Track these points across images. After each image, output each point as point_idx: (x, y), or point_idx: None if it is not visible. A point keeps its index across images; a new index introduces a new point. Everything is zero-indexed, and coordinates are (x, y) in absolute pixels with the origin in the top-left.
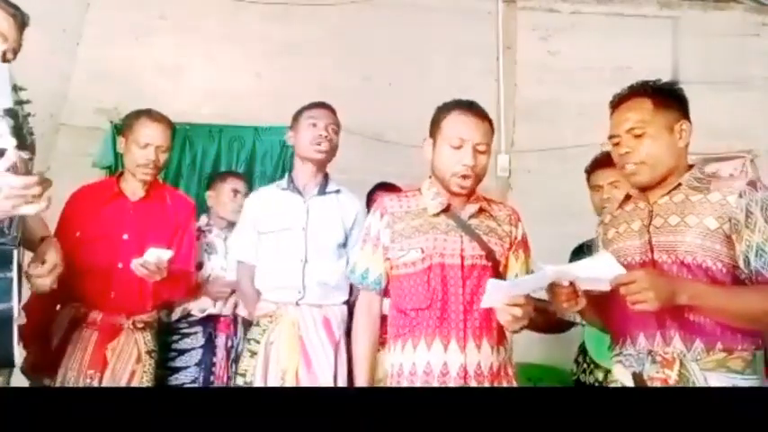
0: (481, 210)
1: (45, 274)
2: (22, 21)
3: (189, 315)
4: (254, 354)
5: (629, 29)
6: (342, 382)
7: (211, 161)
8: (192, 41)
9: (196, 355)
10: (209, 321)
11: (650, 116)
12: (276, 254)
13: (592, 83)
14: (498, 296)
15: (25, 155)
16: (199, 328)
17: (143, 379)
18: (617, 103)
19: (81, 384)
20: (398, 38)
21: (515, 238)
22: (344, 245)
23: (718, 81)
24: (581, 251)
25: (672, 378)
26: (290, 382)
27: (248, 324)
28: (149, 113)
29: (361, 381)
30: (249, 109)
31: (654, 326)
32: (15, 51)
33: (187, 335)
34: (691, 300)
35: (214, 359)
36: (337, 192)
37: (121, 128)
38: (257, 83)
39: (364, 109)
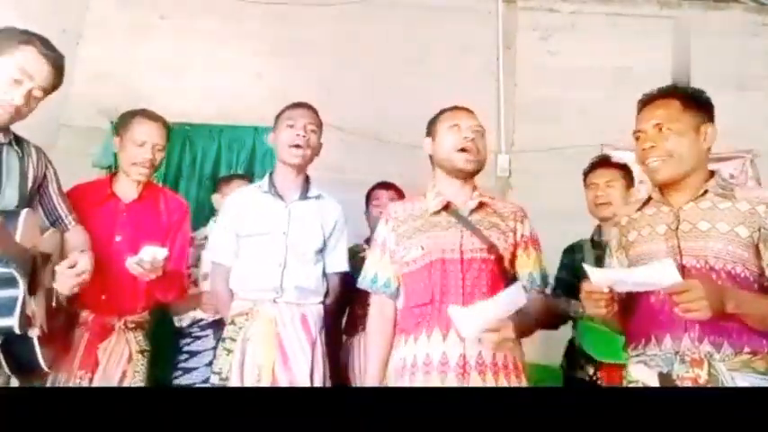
0: (482, 204)
1: (71, 276)
2: (52, 60)
3: (201, 320)
4: (229, 352)
5: (629, 29)
6: (318, 379)
7: (211, 161)
8: (192, 41)
9: (207, 357)
10: (221, 324)
11: (678, 114)
12: (255, 257)
13: (592, 83)
14: (470, 325)
15: None
16: (209, 331)
17: (135, 378)
18: (645, 102)
19: (72, 384)
20: (398, 38)
21: (522, 235)
22: (322, 250)
23: (719, 81)
24: (572, 250)
25: (702, 377)
26: (266, 379)
27: None
28: (145, 112)
29: (372, 382)
30: (249, 109)
31: (681, 328)
32: (46, 90)
33: (198, 338)
34: (736, 308)
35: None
36: (318, 197)
37: (116, 127)
38: (257, 83)
39: (364, 109)
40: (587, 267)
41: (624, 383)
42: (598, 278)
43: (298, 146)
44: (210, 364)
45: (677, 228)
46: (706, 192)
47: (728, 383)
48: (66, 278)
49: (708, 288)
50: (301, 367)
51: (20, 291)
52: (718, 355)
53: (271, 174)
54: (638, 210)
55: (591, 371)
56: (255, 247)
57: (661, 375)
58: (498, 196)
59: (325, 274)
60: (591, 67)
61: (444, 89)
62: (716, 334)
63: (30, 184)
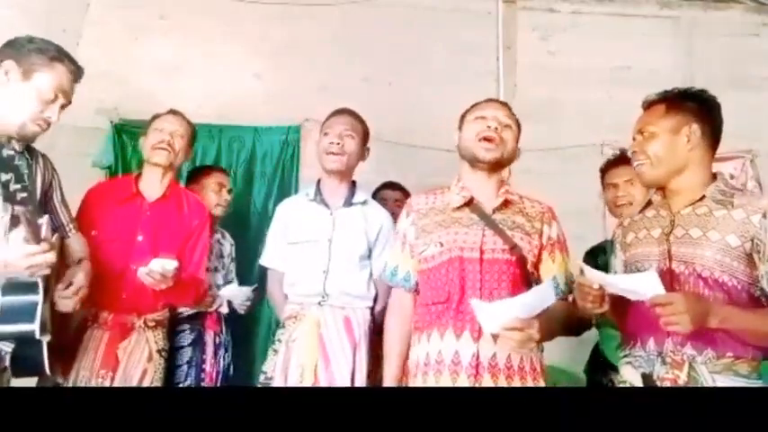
0: (507, 203)
1: (69, 296)
2: (77, 75)
3: (178, 314)
4: (276, 352)
5: (629, 29)
6: (360, 381)
7: (211, 161)
8: (192, 41)
9: (186, 354)
10: (197, 319)
11: (658, 119)
12: (302, 263)
13: (592, 83)
14: (492, 320)
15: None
16: (186, 326)
17: (154, 378)
18: (644, 108)
19: (93, 384)
20: (398, 38)
21: (549, 237)
22: (368, 256)
23: (719, 81)
24: (593, 253)
25: (681, 379)
26: (308, 379)
27: (230, 320)
28: (170, 111)
29: (389, 379)
30: (249, 109)
31: (665, 332)
32: (67, 105)
33: (174, 333)
34: (721, 323)
35: (204, 356)
36: (364, 203)
37: (133, 131)
38: (257, 83)
39: (364, 109)
40: (583, 265)
41: (616, 384)
42: (590, 278)
43: (333, 153)
44: (190, 361)
45: (670, 232)
46: (703, 197)
47: (709, 386)
48: (65, 299)
49: (691, 302)
50: (342, 369)
51: (39, 296)
52: (700, 358)
53: (318, 181)
54: (641, 212)
55: (614, 377)
56: (302, 253)
57: (644, 376)
58: None
59: (373, 280)
60: (591, 67)
61: (444, 89)
62: (699, 339)
63: (39, 191)
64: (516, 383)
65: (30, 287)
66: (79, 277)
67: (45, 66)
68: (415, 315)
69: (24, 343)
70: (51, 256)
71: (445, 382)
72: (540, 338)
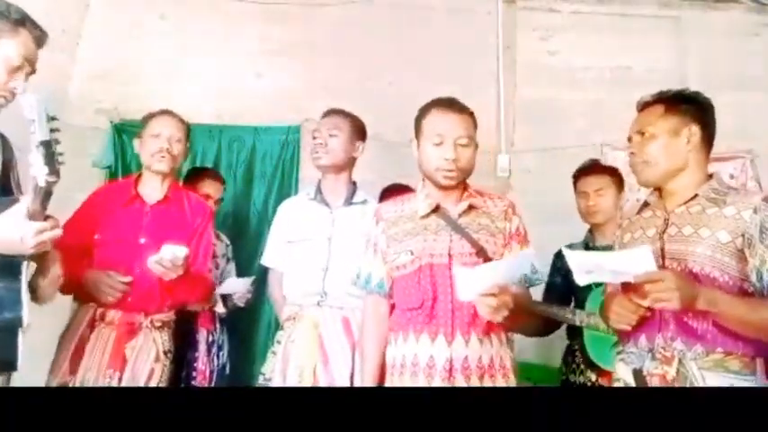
0: (471, 207)
1: (48, 286)
2: (41, 41)
3: (186, 314)
4: (275, 354)
5: (629, 29)
6: (359, 382)
7: (211, 161)
8: (192, 41)
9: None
10: (190, 317)
11: (657, 119)
12: (302, 263)
13: (592, 83)
14: (469, 287)
15: (52, 178)
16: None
17: (161, 379)
18: (640, 108)
19: (100, 384)
20: (398, 38)
21: (510, 233)
22: None
23: (719, 81)
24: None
25: (670, 374)
26: (307, 379)
27: (224, 320)
28: (162, 111)
29: (368, 382)
30: (249, 109)
31: (656, 328)
32: (33, 72)
33: None
34: (708, 305)
35: (196, 354)
36: (364, 202)
37: (133, 131)
38: (257, 83)
39: (364, 109)
40: (565, 251)
41: (613, 382)
42: (577, 261)
43: (316, 150)
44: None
45: (664, 231)
46: (696, 196)
47: (698, 382)
48: (47, 289)
49: (680, 280)
50: (341, 369)
51: (21, 282)
52: (690, 354)
53: (319, 181)
54: (638, 213)
55: (593, 377)
56: (302, 252)
57: (634, 372)
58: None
59: None
60: (591, 67)
61: (444, 89)
62: (689, 334)
63: None
64: (487, 382)
65: (7, 273)
66: (55, 266)
67: (9, 31)
68: (392, 318)
69: (2, 335)
70: (59, 232)
71: (420, 384)
72: (516, 318)
